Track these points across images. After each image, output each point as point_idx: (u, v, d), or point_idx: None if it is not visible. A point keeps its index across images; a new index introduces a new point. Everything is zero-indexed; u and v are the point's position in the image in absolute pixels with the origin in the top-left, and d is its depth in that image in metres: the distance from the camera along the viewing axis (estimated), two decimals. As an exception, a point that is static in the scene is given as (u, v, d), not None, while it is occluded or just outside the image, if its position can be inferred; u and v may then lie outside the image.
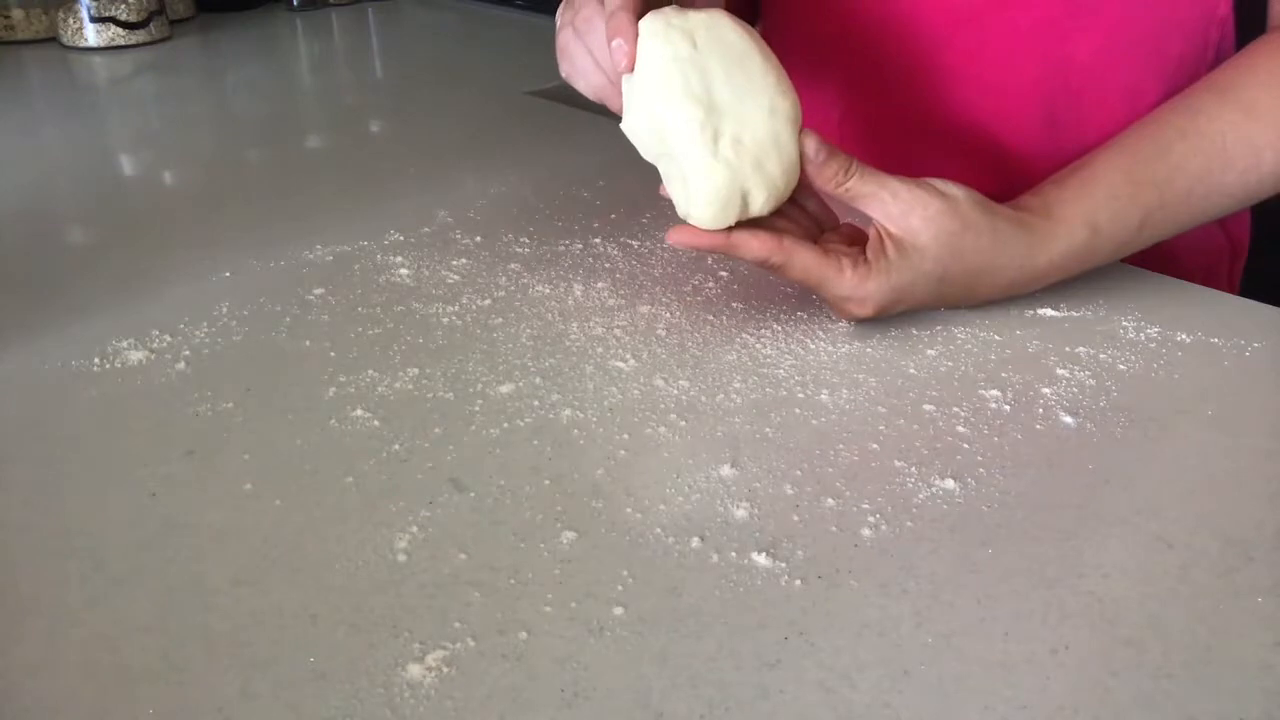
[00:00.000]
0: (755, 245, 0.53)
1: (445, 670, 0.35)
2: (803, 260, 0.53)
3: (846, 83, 0.74)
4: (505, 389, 0.51)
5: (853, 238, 0.56)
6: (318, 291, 0.61)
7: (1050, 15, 0.66)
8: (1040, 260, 0.56)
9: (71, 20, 1.20)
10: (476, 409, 0.50)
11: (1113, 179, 0.57)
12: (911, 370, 0.53)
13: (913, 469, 0.45)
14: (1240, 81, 0.60)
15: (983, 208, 0.55)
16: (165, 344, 0.56)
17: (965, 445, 0.47)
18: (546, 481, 0.45)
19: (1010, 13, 0.66)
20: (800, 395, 0.51)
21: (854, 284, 0.53)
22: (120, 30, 1.21)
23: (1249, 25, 0.65)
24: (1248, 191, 0.60)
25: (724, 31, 0.53)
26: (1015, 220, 0.55)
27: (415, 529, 0.42)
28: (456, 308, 0.59)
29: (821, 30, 0.74)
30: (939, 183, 0.54)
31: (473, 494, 0.44)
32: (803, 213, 0.57)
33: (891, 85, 0.71)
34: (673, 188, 0.54)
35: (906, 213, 0.53)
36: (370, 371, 0.53)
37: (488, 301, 0.60)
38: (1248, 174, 0.58)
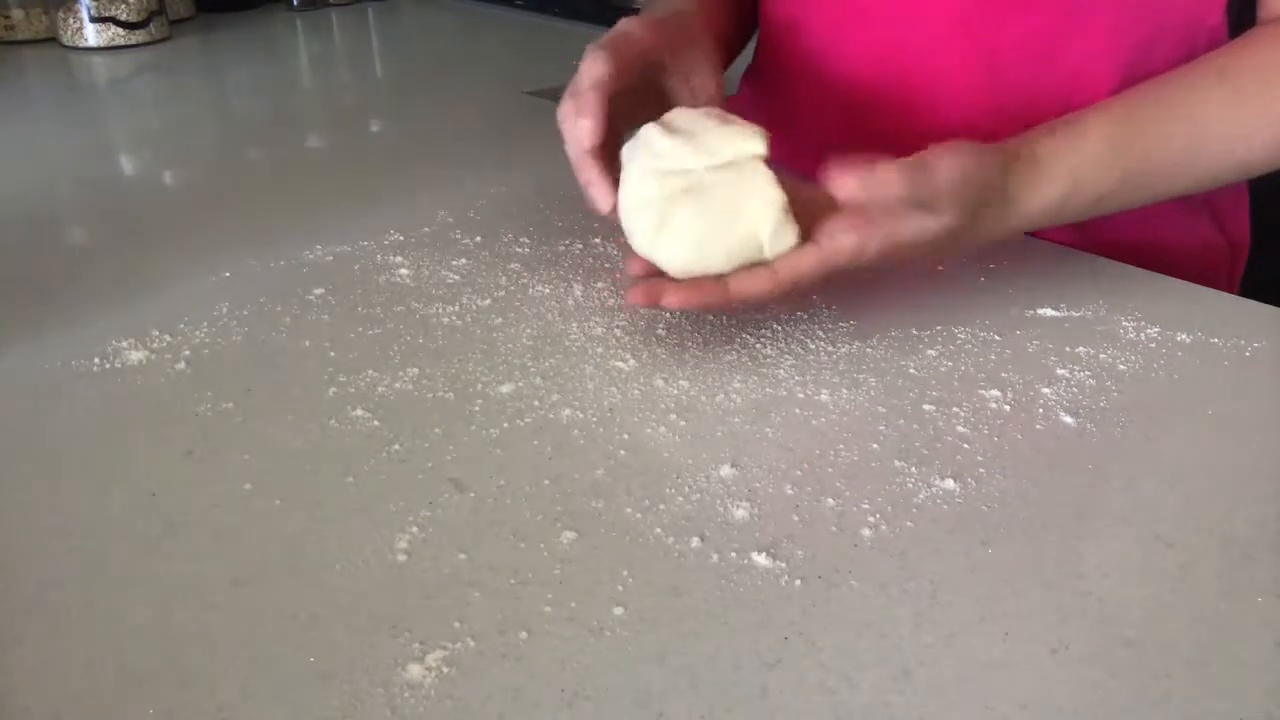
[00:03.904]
0: (754, 283, 0.51)
1: (445, 670, 0.35)
2: (804, 272, 0.51)
3: (843, 97, 0.74)
4: (505, 389, 0.51)
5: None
6: (318, 291, 0.61)
7: (1044, 25, 0.66)
8: (1022, 210, 0.55)
9: (71, 20, 1.20)
10: (476, 409, 0.50)
11: (1100, 138, 0.57)
12: (911, 370, 0.53)
13: (913, 469, 0.45)
14: (1235, 67, 0.60)
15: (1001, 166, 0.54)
16: (165, 344, 0.56)
17: (965, 445, 0.47)
18: (546, 481, 0.45)
19: (1004, 23, 0.66)
20: (800, 395, 0.51)
21: (856, 242, 0.50)
22: (120, 30, 1.21)
23: (1245, 27, 0.65)
24: (1215, 176, 0.61)
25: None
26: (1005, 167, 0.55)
27: (415, 529, 0.42)
28: (456, 308, 0.59)
29: (816, 49, 0.74)
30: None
31: (473, 494, 0.44)
32: None
33: (888, 95, 0.71)
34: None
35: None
36: (370, 371, 0.53)
37: (488, 301, 0.60)
38: (1219, 160, 0.59)
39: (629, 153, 0.56)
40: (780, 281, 0.51)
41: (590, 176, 0.57)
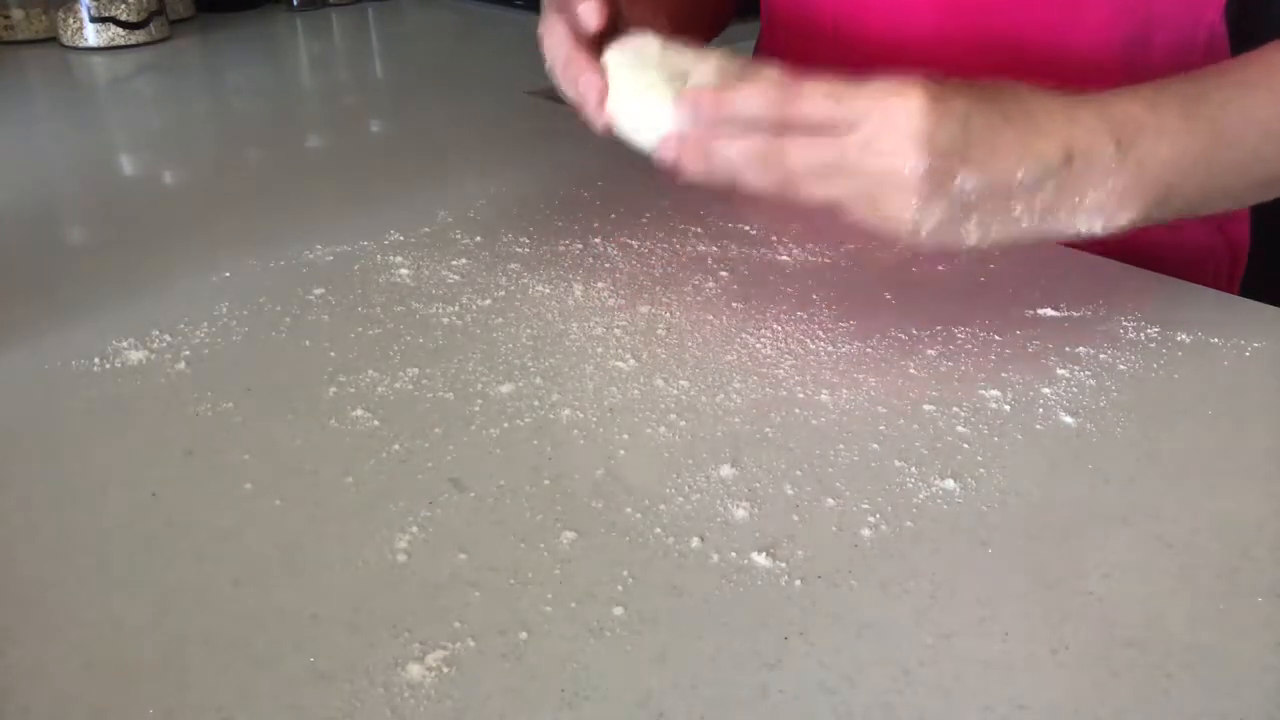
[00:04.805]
0: (758, 85, 0.48)
1: (445, 670, 0.35)
2: (817, 85, 0.46)
3: None
4: (505, 389, 0.51)
5: None
6: (318, 291, 0.61)
7: (1043, 19, 0.66)
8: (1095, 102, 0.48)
9: (71, 20, 1.20)
10: (476, 409, 0.50)
11: (1153, 92, 0.50)
12: (911, 370, 0.53)
13: (913, 469, 0.45)
14: None
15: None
16: (165, 344, 0.56)
17: (965, 445, 0.47)
18: (546, 481, 0.45)
19: (1004, 15, 0.67)
20: (800, 395, 0.51)
21: (885, 87, 0.46)
22: (120, 30, 1.21)
23: (1245, 30, 0.65)
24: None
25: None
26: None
27: (415, 529, 0.42)
28: (456, 308, 0.59)
29: (816, 47, 0.74)
30: None
31: (473, 494, 0.44)
32: None
33: None
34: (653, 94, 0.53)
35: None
36: (370, 371, 0.53)
37: (488, 301, 0.60)
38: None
39: (615, 55, 0.54)
40: (788, 79, 0.47)
41: (582, 65, 0.54)
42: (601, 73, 0.54)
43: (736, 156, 0.49)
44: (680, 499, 0.44)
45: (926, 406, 0.50)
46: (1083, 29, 0.66)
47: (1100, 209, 0.48)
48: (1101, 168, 0.47)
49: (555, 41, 0.57)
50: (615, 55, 0.55)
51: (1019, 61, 0.67)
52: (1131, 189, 0.48)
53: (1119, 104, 0.49)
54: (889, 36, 0.70)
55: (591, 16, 0.54)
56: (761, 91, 0.48)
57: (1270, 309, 0.59)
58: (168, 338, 0.56)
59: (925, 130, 0.45)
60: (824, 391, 0.51)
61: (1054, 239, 0.50)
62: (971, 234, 0.48)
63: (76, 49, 1.21)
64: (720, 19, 0.84)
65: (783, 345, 0.55)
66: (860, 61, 0.71)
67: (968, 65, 0.68)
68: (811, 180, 0.48)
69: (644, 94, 0.52)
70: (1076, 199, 0.48)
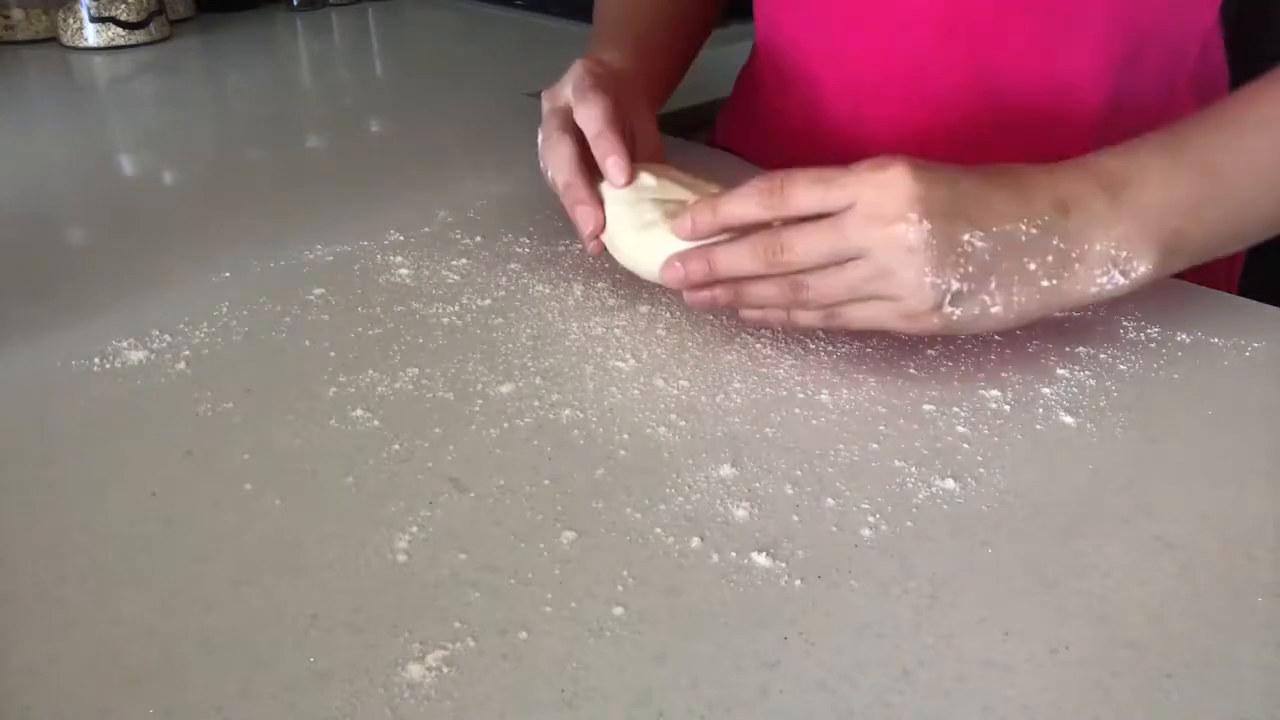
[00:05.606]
0: (747, 188, 0.49)
1: (445, 670, 0.35)
2: (804, 174, 0.48)
3: (835, 102, 0.74)
4: (505, 389, 0.51)
5: None
6: (318, 291, 0.61)
7: (1036, 30, 0.66)
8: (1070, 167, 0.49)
9: (71, 20, 1.20)
10: (476, 409, 0.50)
11: (1153, 149, 0.51)
12: (911, 370, 0.53)
13: (913, 469, 0.45)
14: None
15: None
16: (165, 344, 0.56)
17: (965, 445, 0.47)
18: (546, 481, 0.45)
19: (994, 28, 0.66)
20: (800, 395, 0.51)
21: (870, 164, 0.47)
22: (120, 30, 1.21)
23: (1245, 29, 0.65)
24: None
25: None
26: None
27: (415, 529, 0.42)
28: (456, 308, 0.59)
29: (809, 54, 0.74)
30: None
31: (473, 494, 0.44)
32: None
33: (879, 100, 0.71)
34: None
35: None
36: (370, 371, 0.53)
37: (488, 301, 0.60)
38: None
39: (611, 189, 0.57)
40: (774, 178, 0.49)
41: (581, 194, 0.57)
42: (600, 204, 0.57)
43: (741, 258, 0.50)
44: (680, 499, 0.44)
45: (926, 406, 0.50)
46: (1074, 50, 0.66)
47: (1112, 259, 0.48)
48: (1099, 216, 0.48)
49: (558, 162, 0.59)
50: (611, 189, 0.57)
51: (1010, 82, 0.67)
52: (1136, 234, 0.48)
53: (1095, 162, 0.50)
54: (880, 50, 0.70)
55: (619, 175, 0.56)
56: (753, 192, 0.49)
57: (1270, 309, 0.59)
58: (168, 338, 0.56)
59: (918, 192, 0.46)
60: (824, 391, 0.51)
61: (1082, 303, 0.49)
62: (997, 303, 0.48)
63: (76, 49, 1.21)
64: (703, 35, 0.83)
65: (783, 345, 0.55)
66: (848, 80, 0.71)
67: (960, 86, 0.68)
68: (820, 281, 0.49)
69: (642, 233, 0.55)
70: (1085, 247, 0.48)
